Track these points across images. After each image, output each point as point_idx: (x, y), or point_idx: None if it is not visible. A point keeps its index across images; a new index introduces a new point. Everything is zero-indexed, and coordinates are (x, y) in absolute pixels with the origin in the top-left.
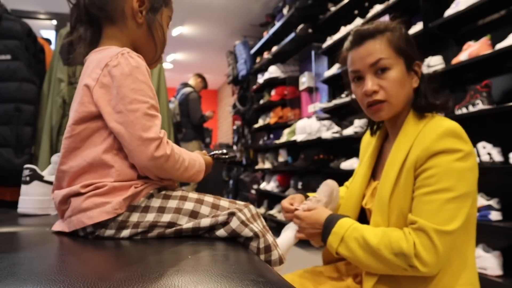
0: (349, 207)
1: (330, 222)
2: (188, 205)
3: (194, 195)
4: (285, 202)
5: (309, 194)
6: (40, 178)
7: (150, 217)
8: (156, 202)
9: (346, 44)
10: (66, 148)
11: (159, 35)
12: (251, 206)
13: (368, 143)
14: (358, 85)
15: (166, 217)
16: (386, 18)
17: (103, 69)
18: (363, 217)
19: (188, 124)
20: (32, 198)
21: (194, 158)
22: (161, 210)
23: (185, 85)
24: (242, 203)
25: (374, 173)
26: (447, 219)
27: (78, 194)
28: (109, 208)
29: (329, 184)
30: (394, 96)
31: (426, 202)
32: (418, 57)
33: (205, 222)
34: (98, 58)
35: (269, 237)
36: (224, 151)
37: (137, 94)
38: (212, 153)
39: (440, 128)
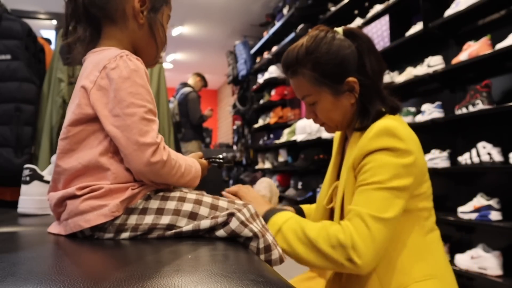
0: (319, 207)
1: (269, 213)
2: (187, 206)
3: (192, 195)
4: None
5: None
6: (40, 178)
7: (148, 219)
8: (154, 204)
9: None
10: (61, 150)
11: (161, 35)
12: (250, 206)
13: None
14: None
15: (165, 219)
16: (386, 18)
17: (101, 72)
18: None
19: (188, 124)
20: (32, 198)
21: (190, 164)
22: (160, 212)
23: (185, 84)
24: (241, 202)
25: (339, 172)
26: (380, 207)
27: (74, 196)
28: (106, 211)
29: (264, 180)
30: (328, 120)
31: (360, 193)
32: (345, 75)
33: (204, 224)
34: (96, 60)
35: (269, 236)
36: (220, 156)
37: (134, 98)
38: (208, 157)
39: (374, 127)
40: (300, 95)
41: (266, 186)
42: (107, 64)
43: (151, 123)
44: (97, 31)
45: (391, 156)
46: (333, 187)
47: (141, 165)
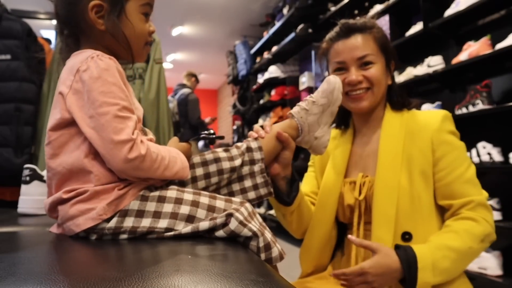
0: (328, 205)
1: (409, 261)
2: (184, 209)
3: (189, 195)
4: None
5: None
6: (40, 178)
7: (146, 222)
8: (150, 206)
9: (331, 35)
10: (46, 155)
11: (121, 37)
12: (247, 204)
13: None
14: (340, 74)
15: (163, 223)
16: (386, 18)
17: (75, 75)
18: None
19: (186, 124)
20: (32, 198)
21: (174, 155)
22: (157, 215)
23: (183, 86)
24: (238, 200)
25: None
26: (481, 187)
27: (62, 201)
28: (93, 214)
29: (331, 80)
30: (377, 84)
31: (467, 181)
32: (394, 57)
33: (203, 225)
34: (71, 64)
35: (268, 234)
36: (212, 131)
37: (106, 97)
38: (199, 134)
39: (439, 113)
40: (362, 52)
41: (326, 90)
42: (80, 67)
43: (126, 120)
44: (78, 40)
45: (459, 140)
46: (360, 182)
47: (120, 163)
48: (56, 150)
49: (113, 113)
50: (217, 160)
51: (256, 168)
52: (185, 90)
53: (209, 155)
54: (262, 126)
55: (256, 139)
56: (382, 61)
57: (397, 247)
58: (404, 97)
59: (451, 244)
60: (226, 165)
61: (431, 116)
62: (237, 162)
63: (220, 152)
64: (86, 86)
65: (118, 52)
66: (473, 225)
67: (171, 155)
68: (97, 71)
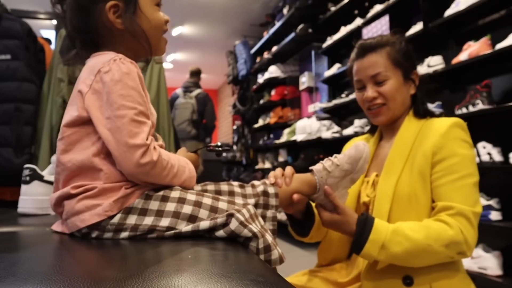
0: (348, 203)
1: (364, 228)
2: (187, 209)
3: (192, 196)
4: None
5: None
6: (40, 178)
7: (148, 220)
8: (154, 205)
9: (352, 55)
10: (58, 150)
11: (140, 32)
12: (250, 206)
13: None
14: (360, 91)
15: (165, 222)
16: (386, 18)
17: (96, 76)
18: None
19: (201, 123)
20: (32, 198)
21: (183, 165)
22: (159, 213)
23: (196, 84)
24: (241, 202)
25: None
26: (476, 201)
27: (69, 196)
28: (99, 210)
29: (359, 148)
30: (392, 99)
31: (458, 188)
32: (415, 67)
33: (204, 224)
34: (92, 64)
35: (268, 236)
36: (219, 143)
37: (125, 100)
38: (206, 146)
39: (450, 120)
40: (374, 71)
41: (352, 156)
42: (101, 68)
43: (141, 125)
44: (96, 45)
45: (468, 149)
46: (372, 181)
47: (131, 166)
48: (68, 146)
49: (130, 116)
50: (231, 193)
51: (269, 213)
52: (202, 91)
53: (224, 186)
54: (284, 169)
55: (273, 184)
56: (397, 75)
57: (362, 215)
58: (427, 106)
59: (410, 235)
60: (239, 200)
61: (443, 122)
62: (250, 201)
63: (236, 187)
64: (106, 87)
65: (137, 49)
66: (444, 228)
67: (180, 164)
68: (119, 74)
